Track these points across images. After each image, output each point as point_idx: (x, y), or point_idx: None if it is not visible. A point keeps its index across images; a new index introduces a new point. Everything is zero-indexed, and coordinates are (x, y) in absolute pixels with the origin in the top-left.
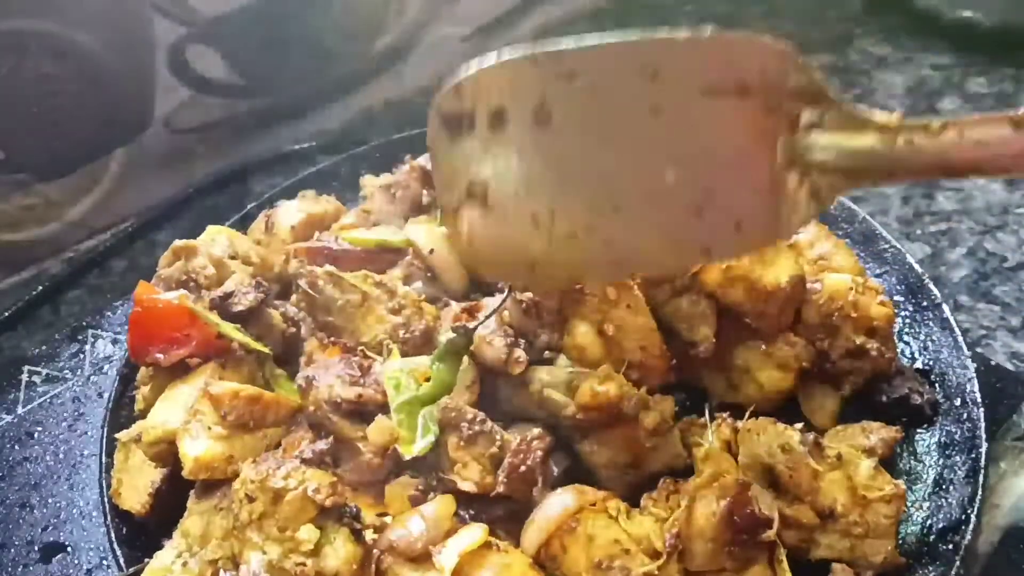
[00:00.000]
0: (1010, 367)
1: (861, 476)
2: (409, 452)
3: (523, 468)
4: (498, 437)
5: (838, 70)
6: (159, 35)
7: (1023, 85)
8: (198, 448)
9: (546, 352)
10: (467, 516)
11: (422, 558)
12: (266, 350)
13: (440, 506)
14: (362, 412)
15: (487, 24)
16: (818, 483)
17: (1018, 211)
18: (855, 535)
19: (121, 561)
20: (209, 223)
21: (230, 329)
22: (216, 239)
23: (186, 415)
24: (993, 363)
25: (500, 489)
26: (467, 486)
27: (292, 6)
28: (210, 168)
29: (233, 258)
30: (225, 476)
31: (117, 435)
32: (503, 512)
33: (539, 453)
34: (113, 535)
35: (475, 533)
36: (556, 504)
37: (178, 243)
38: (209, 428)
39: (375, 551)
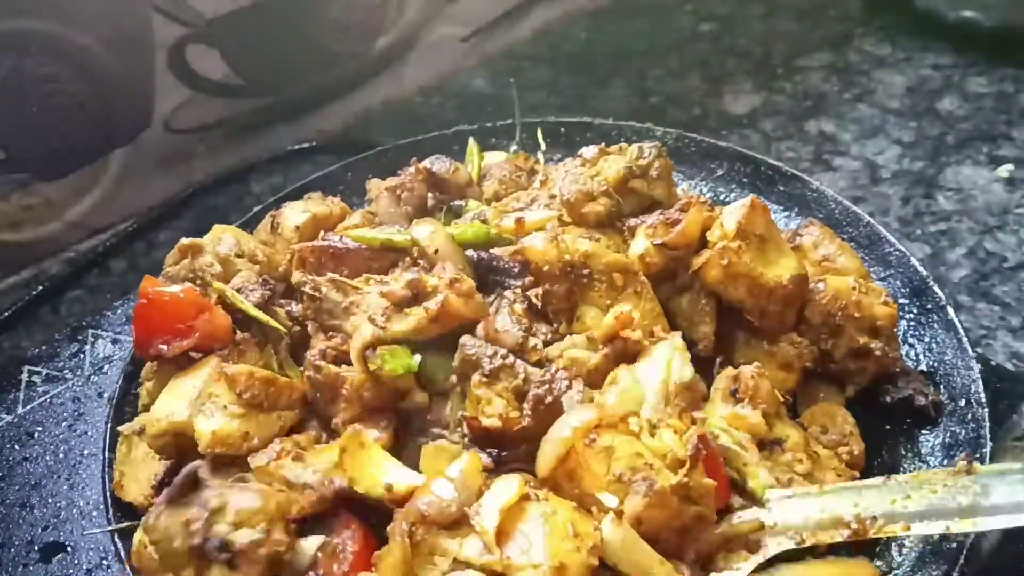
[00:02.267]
0: (1010, 367)
1: None
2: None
3: (549, 399)
4: (521, 370)
5: (838, 70)
6: (159, 35)
7: (1023, 85)
8: (214, 424)
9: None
10: (490, 459)
11: (458, 523)
12: (283, 328)
13: (467, 465)
14: None
15: (487, 24)
16: None
17: (1018, 211)
18: None
19: (123, 554)
20: (209, 223)
21: (251, 308)
22: (222, 237)
23: (199, 398)
24: (993, 363)
25: (525, 422)
26: (491, 422)
27: (292, 6)
28: (210, 168)
29: (239, 256)
30: (239, 452)
31: (120, 427)
32: (525, 452)
33: (564, 383)
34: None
35: (511, 486)
36: (575, 418)
37: (185, 241)
38: (224, 407)
39: (404, 525)
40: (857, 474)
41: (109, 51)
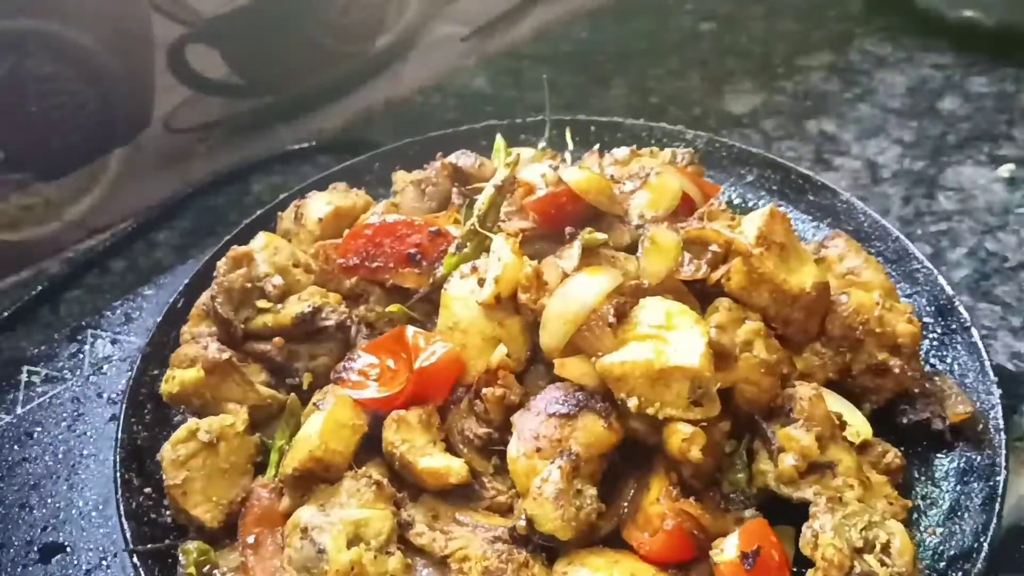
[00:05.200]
0: (1011, 367)
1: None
2: None
3: None
4: None
5: (838, 70)
6: (159, 35)
7: (1023, 85)
8: (443, 459)
9: None
10: None
11: None
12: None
13: None
14: None
15: (487, 24)
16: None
17: (1019, 211)
18: None
19: (128, 535)
20: (209, 223)
21: None
22: (278, 246)
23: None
24: (994, 363)
25: None
26: None
27: (292, 6)
28: (210, 168)
29: (296, 266)
30: None
31: (198, 434)
32: None
33: None
34: (123, 508)
35: None
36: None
37: (239, 249)
38: (432, 444)
39: None
40: (909, 503)
41: (109, 51)
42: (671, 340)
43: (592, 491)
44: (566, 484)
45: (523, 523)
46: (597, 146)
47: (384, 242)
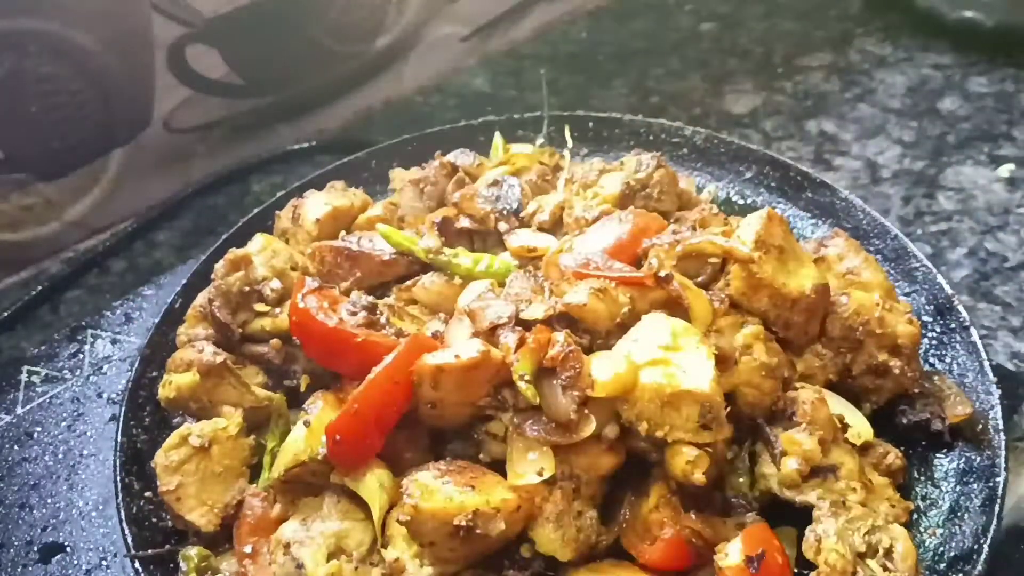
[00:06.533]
0: (1011, 367)
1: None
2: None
3: None
4: None
5: (838, 70)
6: (159, 35)
7: (1023, 85)
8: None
9: None
10: None
11: None
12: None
13: None
14: None
15: (487, 24)
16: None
17: (1019, 211)
18: None
19: (129, 540)
20: (209, 223)
21: None
22: (276, 249)
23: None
24: (994, 363)
25: None
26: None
27: (292, 6)
28: (210, 168)
29: (293, 269)
30: None
31: (189, 438)
32: None
33: None
34: (124, 513)
35: None
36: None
37: (237, 252)
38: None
39: None
40: (911, 506)
41: (109, 51)
42: (679, 363)
43: (592, 513)
44: (566, 506)
45: (526, 545)
46: None
47: (344, 265)
